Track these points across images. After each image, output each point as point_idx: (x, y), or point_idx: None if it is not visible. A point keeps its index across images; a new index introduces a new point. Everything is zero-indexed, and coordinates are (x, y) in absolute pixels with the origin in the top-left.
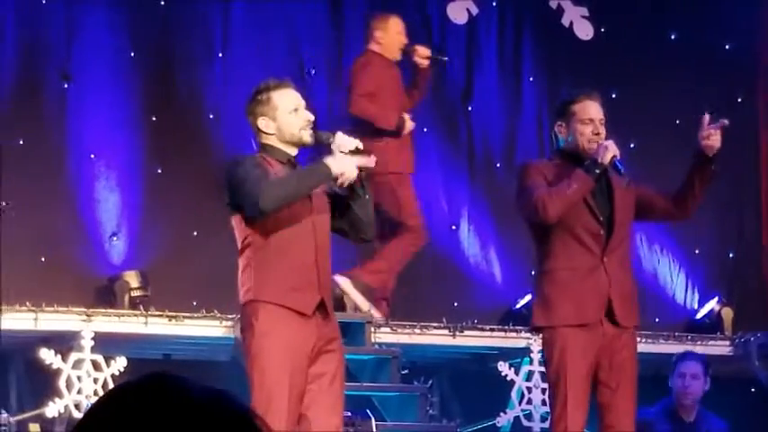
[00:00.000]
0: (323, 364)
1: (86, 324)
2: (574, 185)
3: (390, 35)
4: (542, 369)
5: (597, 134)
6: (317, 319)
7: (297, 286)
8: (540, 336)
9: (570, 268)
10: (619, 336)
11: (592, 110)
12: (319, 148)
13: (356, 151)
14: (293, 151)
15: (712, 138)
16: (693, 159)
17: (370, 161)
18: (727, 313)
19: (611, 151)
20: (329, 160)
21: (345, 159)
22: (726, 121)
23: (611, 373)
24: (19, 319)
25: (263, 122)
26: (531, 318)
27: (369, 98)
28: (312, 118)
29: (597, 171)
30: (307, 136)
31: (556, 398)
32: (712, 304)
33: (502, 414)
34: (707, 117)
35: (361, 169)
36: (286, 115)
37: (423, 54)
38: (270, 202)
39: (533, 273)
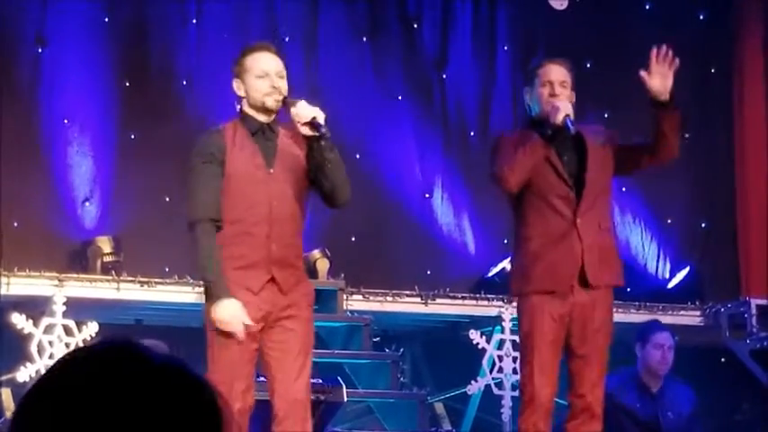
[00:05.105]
0: (283, 331)
1: (58, 289)
2: (525, 151)
3: None
4: (513, 338)
5: (553, 95)
6: (269, 291)
7: (247, 264)
8: (515, 304)
9: (542, 235)
10: (592, 303)
11: (552, 73)
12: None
13: (312, 122)
14: (264, 118)
15: (654, 75)
16: (652, 108)
17: (325, 131)
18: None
19: (563, 111)
20: (217, 304)
21: (306, 107)
22: (676, 60)
23: (582, 343)
24: None
25: (235, 84)
26: (510, 287)
27: None
28: (282, 86)
29: (549, 132)
30: (270, 102)
31: (524, 364)
32: (684, 274)
33: (473, 382)
34: (655, 52)
35: (319, 134)
36: (253, 79)
37: None
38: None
39: (508, 242)
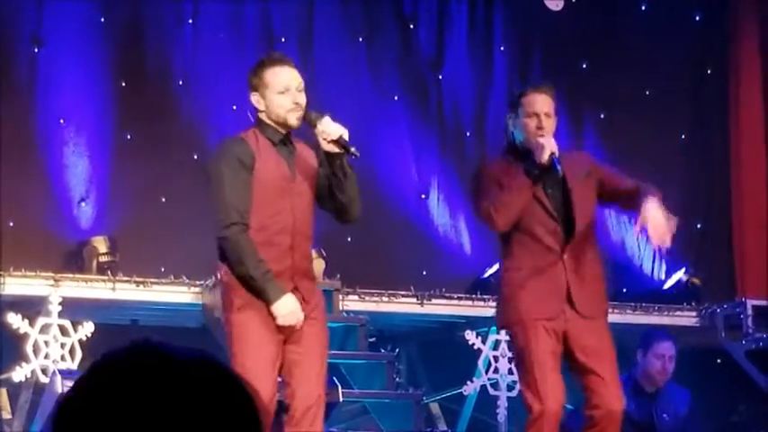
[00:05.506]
0: (303, 336)
1: (54, 289)
2: (513, 192)
3: None
4: (509, 338)
5: (540, 128)
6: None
7: (273, 274)
8: (506, 332)
9: (528, 267)
10: (587, 325)
11: (537, 104)
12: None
13: (340, 141)
14: (284, 129)
15: (666, 240)
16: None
17: (355, 149)
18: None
19: (548, 149)
20: (278, 302)
21: (332, 124)
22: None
23: (589, 358)
24: None
25: (254, 98)
26: (496, 319)
27: None
28: (303, 101)
29: (536, 172)
30: (292, 119)
31: (525, 379)
32: (679, 275)
33: (468, 382)
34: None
35: (345, 150)
36: (274, 95)
37: None
38: (229, 242)
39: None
